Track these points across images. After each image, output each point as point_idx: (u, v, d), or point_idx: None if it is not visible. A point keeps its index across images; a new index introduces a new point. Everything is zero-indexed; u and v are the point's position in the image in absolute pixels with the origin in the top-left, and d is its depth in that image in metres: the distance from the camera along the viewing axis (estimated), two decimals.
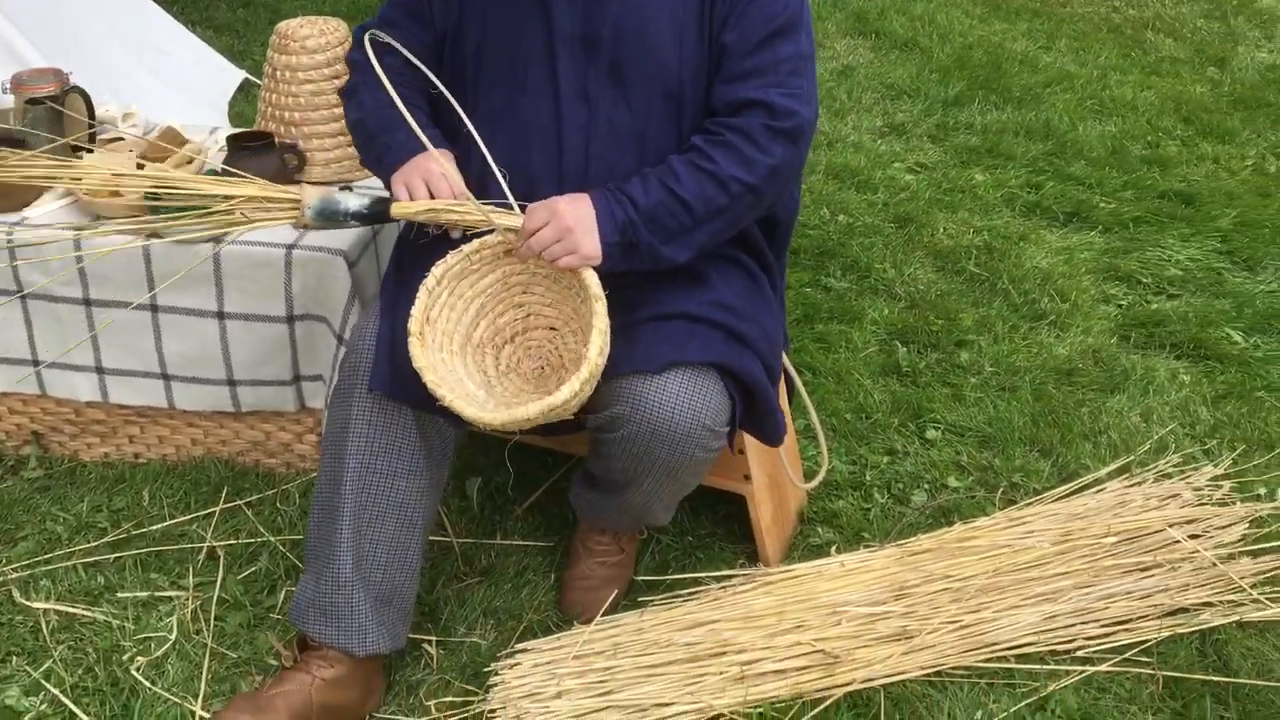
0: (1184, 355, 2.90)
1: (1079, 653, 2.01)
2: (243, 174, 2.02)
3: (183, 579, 2.18)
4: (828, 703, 1.91)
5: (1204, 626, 2.05)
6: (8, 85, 2.50)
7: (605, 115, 1.86)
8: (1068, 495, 2.36)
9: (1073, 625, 2.04)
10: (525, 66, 1.87)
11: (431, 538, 2.23)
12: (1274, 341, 2.96)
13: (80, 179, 2.13)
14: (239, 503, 2.35)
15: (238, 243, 2.22)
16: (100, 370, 2.34)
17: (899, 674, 1.96)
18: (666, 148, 1.84)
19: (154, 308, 2.26)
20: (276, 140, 2.37)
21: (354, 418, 1.86)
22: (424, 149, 1.83)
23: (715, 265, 1.94)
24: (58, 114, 2.38)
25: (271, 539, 2.26)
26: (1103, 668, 1.98)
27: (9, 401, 2.43)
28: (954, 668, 1.98)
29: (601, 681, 1.93)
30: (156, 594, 2.14)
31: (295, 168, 2.36)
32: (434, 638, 2.06)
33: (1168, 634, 2.03)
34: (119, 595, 2.13)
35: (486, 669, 1.99)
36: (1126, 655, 2.00)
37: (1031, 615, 2.04)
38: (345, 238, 2.25)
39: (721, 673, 1.93)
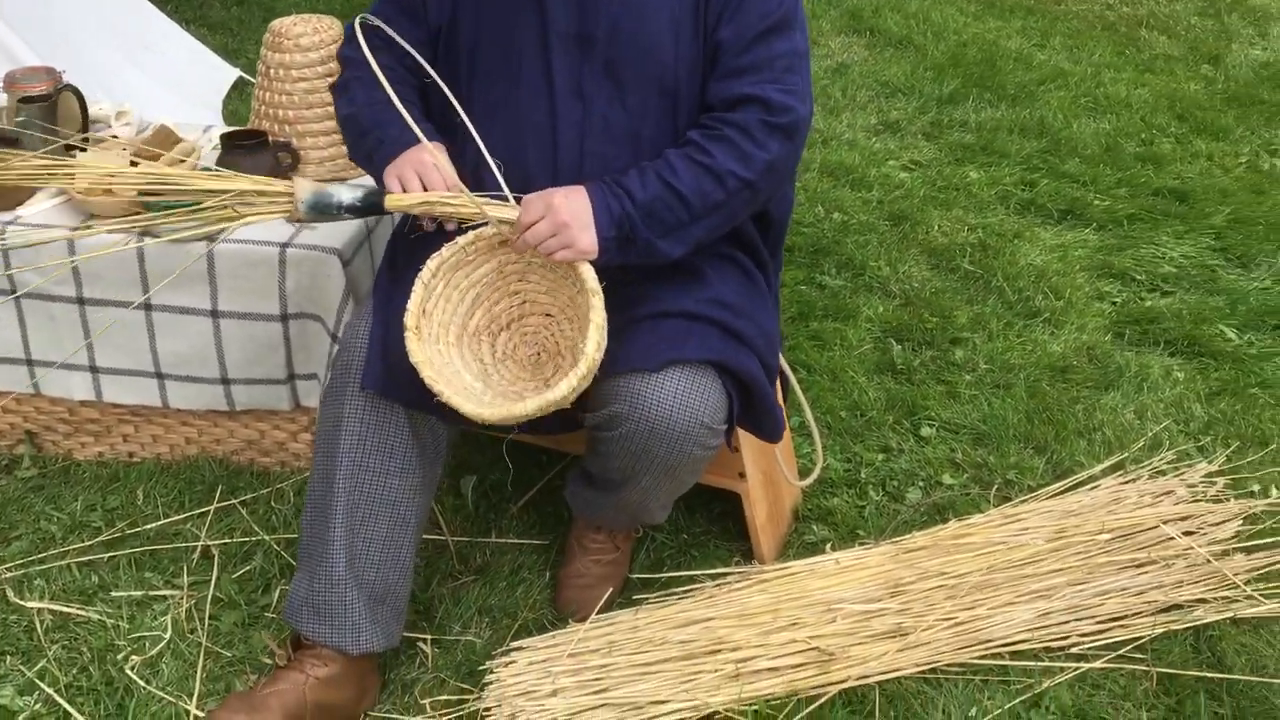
0: (1178, 352, 2.90)
1: (1073, 649, 2.01)
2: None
3: (177, 578, 2.17)
4: (823, 700, 1.91)
5: (1198, 623, 2.05)
6: (0, 84, 2.49)
7: (600, 112, 1.85)
8: (1062, 492, 2.36)
9: (1067, 622, 2.04)
10: (519, 62, 1.87)
11: (426, 536, 2.23)
12: (1268, 338, 2.96)
13: (74, 176, 2.12)
14: (233, 502, 2.35)
15: (232, 241, 2.21)
16: (94, 369, 2.34)
17: (894, 671, 1.96)
18: (662, 145, 1.84)
19: (148, 306, 2.25)
20: (270, 139, 2.37)
21: (346, 416, 1.85)
22: (416, 142, 1.83)
23: (711, 263, 1.94)
24: (51, 113, 2.38)
25: (266, 538, 2.25)
26: (1097, 664, 1.98)
27: (3, 400, 2.42)
28: (949, 665, 1.98)
29: (597, 679, 1.93)
30: (151, 593, 2.14)
31: (289, 166, 2.36)
32: (429, 636, 2.06)
33: (1162, 630, 2.03)
34: (113, 594, 2.13)
35: (481, 667, 1.99)
36: (1121, 652, 2.00)
37: (1026, 612, 2.05)
38: (339, 236, 2.24)
39: (716, 670, 1.93)
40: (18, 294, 2.27)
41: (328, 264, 2.20)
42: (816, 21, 5.03)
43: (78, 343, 2.31)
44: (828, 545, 2.25)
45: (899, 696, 1.94)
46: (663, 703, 1.89)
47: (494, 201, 1.80)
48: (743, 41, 1.81)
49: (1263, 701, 1.93)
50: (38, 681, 1.95)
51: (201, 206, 1.91)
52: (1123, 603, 2.07)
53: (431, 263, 1.81)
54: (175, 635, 2.04)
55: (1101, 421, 2.61)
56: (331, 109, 2.33)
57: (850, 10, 5.20)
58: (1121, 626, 2.04)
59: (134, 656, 2.00)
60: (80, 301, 2.27)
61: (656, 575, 2.17)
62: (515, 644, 2.02)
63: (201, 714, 1.89)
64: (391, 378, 1.83)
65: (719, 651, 1.96)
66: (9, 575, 2.17)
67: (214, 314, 2.25)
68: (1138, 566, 2.14)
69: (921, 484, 2.44)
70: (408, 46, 1.90)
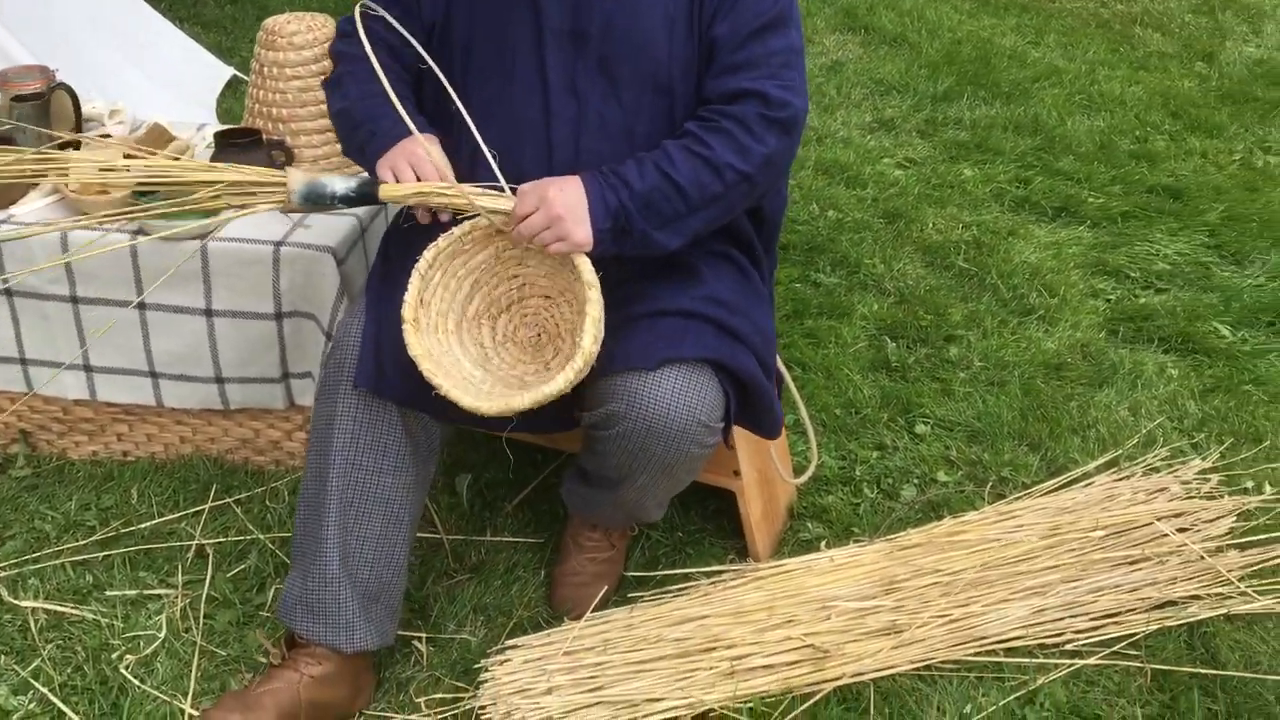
0: (1172, 349, 2.91)
1: (1067, 646, 2.01)
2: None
3: (172, 577, 2.17)
4: (817, 697, 1.91)
5: (1192, 619, 2.06)
6: None
7: (595, 109, 1.85)
8: (1056, 489, 2.36)
9: (1061, 619, 2.05)
10: (513, 59, 1.87)
11: (421, 534, 2.24)
12: (1261, 335, 2.97)
13: (66, 172, 2.11)
14: (228, 500, 2.34)
15: (225, 240, 2.21)
16: (88, 368, 2.33)
17: (888, 668, 1.96)
18: (656, 141, 1.84)
19: (142, 305, 2.25)
20: (264, 137, 2.37)
21: (339, 414, 1.85)
22: (409, 134, 1.82)
23: (707, 260, 1.94)
24: (44, 112, 2.37)
25: (261, 537, 2.25)
26: (1091, 661, 1.99)
27: None
28: (943, 662, 1.99)
29: (592, 677, 1.93)
30: (145, 592, 2.13)
31: (283, 164, 2.35)
32: (424, 634, 2.06)
33: (1156, 627, 2.04)
34: (108, 593, 2.13)
35: (477, 665, 1.99)
36: (1115, 648, 2.01)
37: (1020, 609, 2.05)
38: (333, 235, 2.24)
39: (711, 668, 1.93)
40: (8, 288, 2.26)
41: (322, 262, 2.20)
42: (811, 19, 5.04)
43: (71, 342, 2.30)
44: (822, 543, 2.25)
45: (894, 694, 1.94)
46: (658, 700, 1.89)
47: (489, 192, 1.79)
48: (738, 38, 1.81)
49: (1256, 698, 1.94)
50: (32, 681, 1.95)
51: (194, 197, 1.89)
52: (1117, 599, 2.08)
53: (428, 254, 1.80)
54: (170, 634, 2.04)
55: (1096, 418, 2.61)
56: (325, 107, 2.34)
57: (845, 8, 5.20)
58: (1116, 623, 2.04)
59: (129, 656, 2.00)
60: (74, 300, 2.27)
61: (651, 573, 2.18)
62: (510, 642, 2.02)
63: (196, 713, 1.89)
64: (384, 376, 1.83)
65: (714, 649, 1.97)
66: (3, 575, 2.16)
67: (208, 313, 2.25)
68: (1132, 563, 2.15)
69: (916, 481, 2.44)
70: (406, 33, 1.89)
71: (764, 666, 1.95)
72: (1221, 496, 2.34)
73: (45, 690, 1.93)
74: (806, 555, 2.20)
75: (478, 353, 1.90)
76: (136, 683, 1.94)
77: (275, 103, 2.43)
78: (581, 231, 1.73)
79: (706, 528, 2.31)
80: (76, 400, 2.39)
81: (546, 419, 1.91)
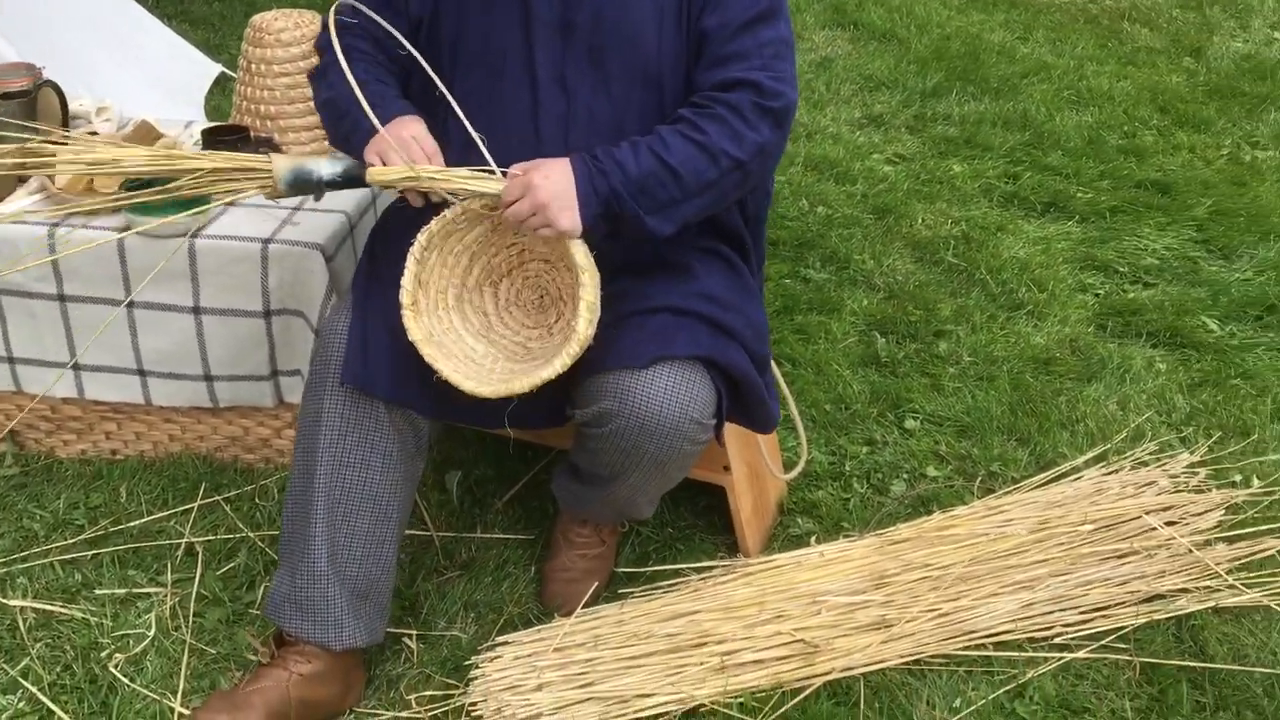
0: (1160, 344, 2.92)
1: (1057, 640, 2.02)
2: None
3: (161, 575, 2.17)
4: (807, 692, 1.91)
5: (1180, 612, 2.07)
6: None
7: (584, 103, 1.85)
8: (1045, 484, 2.37)
9: (1050, 612, 2.05)
10: (502, 52, 1.86)
11: (411, 532, 2.23)
12: (1249, 329, 2.98)
13: (53, 163, 2.08)
14: (217, 498, 2.34)
15: (213, 237, 2.21)
16: (76, 367, 2.33)
17: (878, 663, 1.96)
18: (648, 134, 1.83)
19: (129, 303, 2.24)
20: (252, 134, 2.36)
21: (326, 411, 1.85)
22: (394, 118, 1.80)
23: (697, 256, 1.94)
24: (30, 109, 2.36)
25: (250, 534, 2.25)
26: (1080, 654, 1.99)
27: None
28: (933, 656, 1.99)
29: (582, 673, 1.93)
30: (134, 591, 2.13)
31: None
32: (414, 631, 2.06)
33: (1144, 620, 2.05)
34: (97, 592, 2.12)
35: (467, 662, 1.99)
36: (1104, 642, 2.01)
37: (1010, 603, 2.06)
38: (322, 232, 2.24)
39: (702, 663, 1.94)
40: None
41: (310, 259, 2.20)
42: (800, 15, 5.04)
43: (59, 340, 2.30)
44: (812, 538, 2.26)
45: (884, 688, 1.94)
46: (648, 696, 1.89)
47: (478, 174, 1.77)
48: (728, 30, 1.81)
49: (1244, 690, 1.95)
50: (21, 680, 1.94)
51: (179, 185, 1.87)
52: (1105, 593, 2.08)
53: (421, 237, 1.80)
54: (159, 633, 2.04)
55: (1084, 413, 2.62)
56: (312, 102, 2.33)
57: (834, 4, 5.20)
58: (1104, 616, 2.05)
59: (118, 654, 1.99)
60: (61, 299, 2.26)
61: (642, 569, 2.18)
62: (501, 639, 2.02)
63: (186, 711, 1.89)
64: (371, 372, 1.83)
65: (704, 644, 1.97)
66: None
67: (196, 310, 2.24)
68: (1120, 557, 2.16)
69: (906, 476, 2.45)
70: (387, 25, 1.88)
71: (754, 661, 1.95)
72: (1209, 490, 2.35)
73: (34, 689, 1.92)
74: (796, 550, 2.21)
75: (480, 322, 1.89)
76: (126, 681, 1.94)
77: (263, 100, 2.43)
78: (567, 218, 1.72)
79: (697, 523, 2.31)
80: (64, 399, 2.38)
81: (538, 415, 1.91)
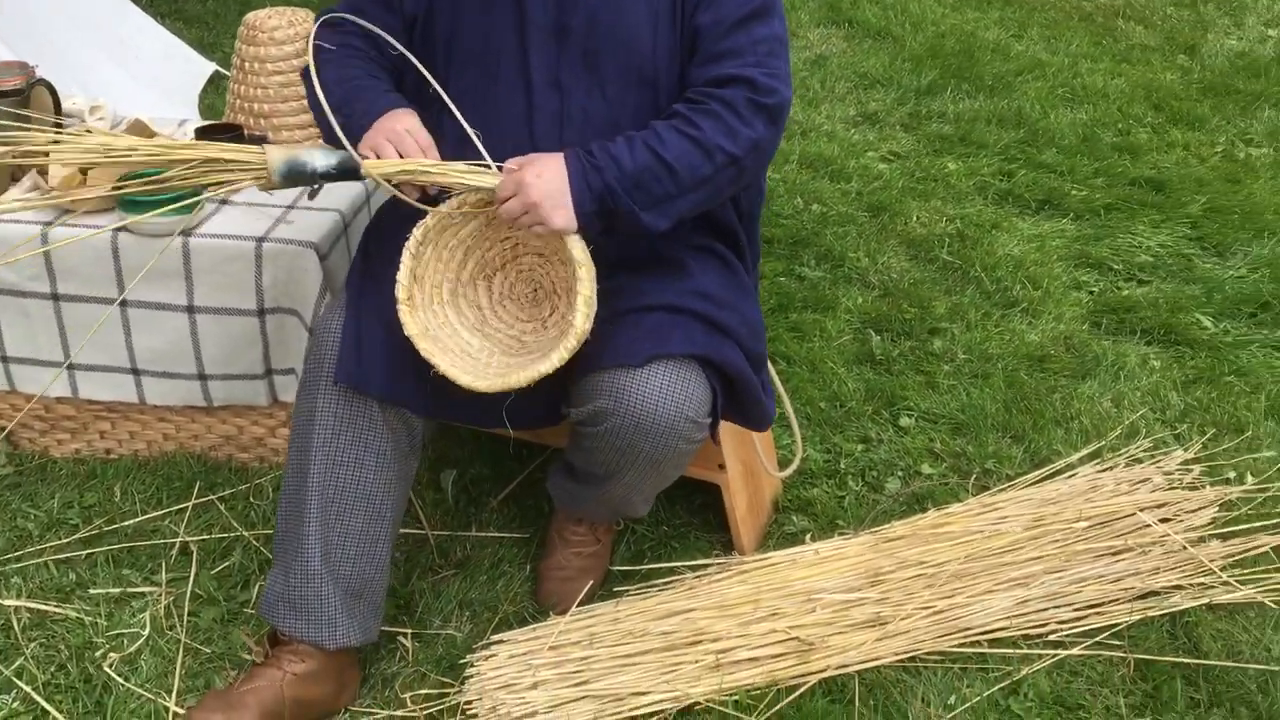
0: (1154, 341, 2.92)
1: (1051, 636, 2.02)
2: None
3: (155, 575, 2.16)
4: (802, 689, 1.92)
5: (1174, 609, 2.07)
6: None
7: (579, 103, 1.85)
8: (1040, 481, 2.37)
9: (1045, 609, 2.05)
10: (497, 54, 1.86)
11: (407, 530, 2.23)
12: (1243, 326, 2.98)
13: (49, 153, 2.07)
14: (212, 498, 2.34)
15: (207, 236, 2.20)
16: (70, 366, 2.32)
17: (873, 660, 1.97)
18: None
19: (123, 302, 2.24)
20: (246, 132, 2.36)
21: (319, 410, 1.84)
22: (386, 110, 1.80)
23: (692, 254, 1.94)
24: (23, 108, 2.36)
25: (245, 534, 2.25)
26: (1075, 651, 1.99)
27: None
28: (928, 653, 1.99)
29: (577, 671, 1.93)
30: (129, 590, 2.13)
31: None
32: (409, 630, 2.05)
33: (1139, 617, 2.05)
34: (91, 592, 2.12)
35: (462, 661, 1.99)
36: (1098, 639, 2.02)
37: (1004, 600, 2.06)
38: (316, 230, 2.24)
39: (697, 661, 1.94)
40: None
41: (304, 258, 2.19)
42: (795, 13, 5.04)
43: (53, 339, 2.29)
44: (807, 536, 2.26)
45: (878, 685, 1.94)
46: (643, 694, 1.89)
47: (474, 168, 1.77)
48: (722, 27, 1.81)
49: (1238, 686, 1.95)
50: (15, 680, 1.94)
51: (172, 174, 1.85)
52: (1100, 590, 2.09)
53: (417, 232, 1.80)
54: (154, 632, 2.03)
55: (1079, 410, 2.62)
56: (306, 101, 2.33)
57: (829, 2, 5.20)
58: (1099, 613, 2.05)
59: (112, 654, 1.99)
60: (55, 298, 2.26)
61: (637, 567, 2.18)
62: (496, 637, 2.02)
63: (181, 711, 1.89)
64: (364, 371, 1.82)
65: (699, 642, 1.97)
66: None
67: (190, 309, 2.24)
68: (1114, 554, 2.16)
69: (900, 474, 2.45)
70: (375, 29, 1.88)
71: (749, 659, 1.95)
72: (1204, 487, 2.35)
73: (29, 689, 1.92)
74: (791, 548, 2.21)
75: (475, 316, 1.90)
76: (120, 681, 1.94)
77: (256, 98, 2.42)
78: (560, 216, 1.72)
79: (692, 521, 2.31)
80: (58, 398, 2.38)
81: (533, 413, 1.91)
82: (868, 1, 5.18)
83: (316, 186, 1.88)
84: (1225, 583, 2.12)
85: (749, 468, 2.21)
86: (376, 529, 1.89)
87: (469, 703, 1.90)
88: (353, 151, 1.80)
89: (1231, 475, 2.41)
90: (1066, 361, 2.82)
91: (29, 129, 2.04)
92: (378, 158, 1.79)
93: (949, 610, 2.04)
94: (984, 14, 5.14)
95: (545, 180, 1.71)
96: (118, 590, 2.12)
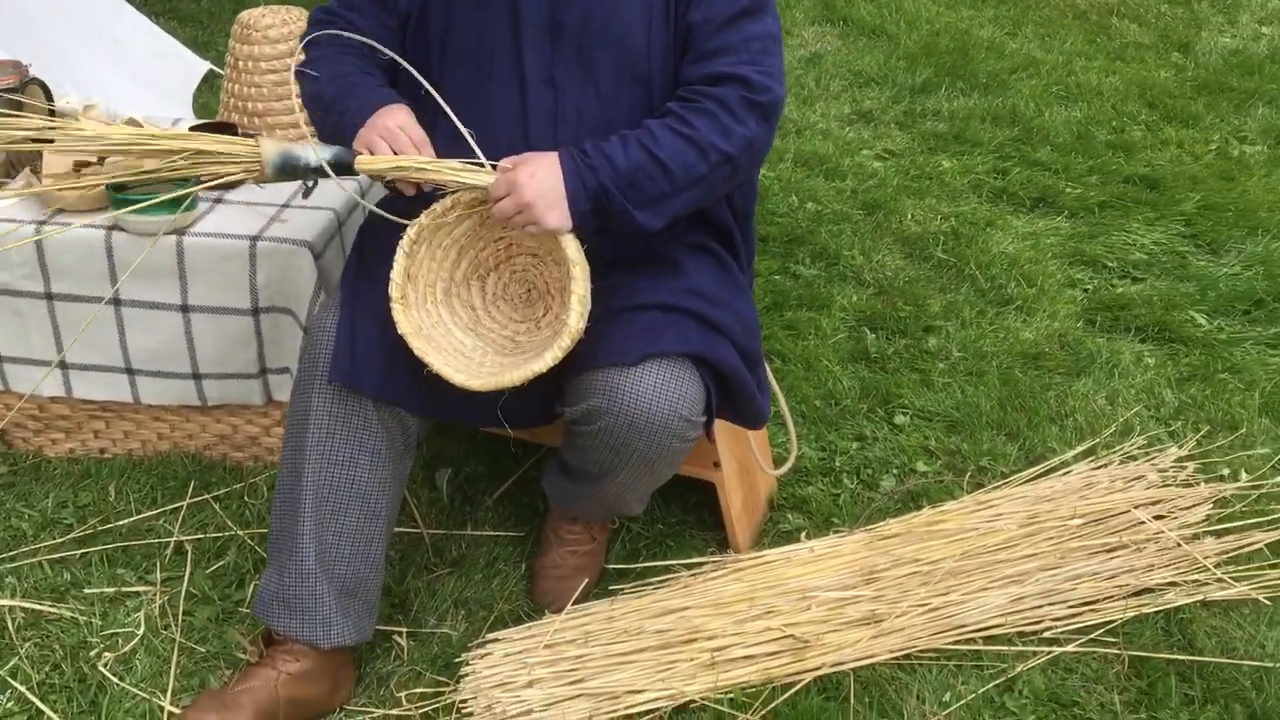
0: (1149, 338, 2.93)
1: (1046, 633, 2.03)
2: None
3: (150, 574, 2.16)
4: (798, 687, 1.92)
5: (1169, 606, 2.07)
6: None
7: (573, 102, 1.85)
8: (1034, 478, 2.38)
9: (1040, 606, 2.06)
10: (491, 52, 1.86)
11: (401, 529, 2.23)
12: (1237, 324, 2.99)
13: (46, 139, 2.04)
14: (206, 497, 2.33)
15: (201, 235, 2.20)
16: (64, 365, 2.32)
17: (868, 657, 1.97)
18: None
19: (117, 302, 2.24)
20: (240, 130, 2.35)
21: (314, 409, 1.84)
22: (379, 106, 1.80)
23: (686, 252, 1.94)
24: (16, 107, 2.35)
25: (239, 533, 2.24)
26: (1069, 648, 2.00)
27: None
28: (923, 650, 1.99)
29: (573, 670, 1.93)
30: (123, 590, 2.12)
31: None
32: (404, 629, 2.05)
33: (1133, 614, 2.05)
34: (85, 591, 2.12)
35: (458, 659, 1.99)
36: (1093, 636, 2.02)
37: (999, 597, 2.06)
38: (311, 229, 2.23)
39: (692, 659, 1.94)
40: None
41: (299, 257, 2.19)
42: (790, 11, 5.04)
43: (47, 338, 2.29)
44: (803, 534, 2.26)
45: (873, 682, 1.95)
46: (639, 692, 1.89)
47: (468, 166, 1.77)
48: (714, 25, 1.80)
49: (1232, 683, 1.95)
50: (10, 680, 1.94)
51: (164, 165, 1.84)
52: (1094, 587, 2.09)
53: (411, 231, 1.80)
54: (148, 631, 2.03)
55: (1073, 408, 2.63)
56: (299, 100, 2.33)
57: (824, 0, 5.20)
58: (1093, 610, 2.06)
59: (107, 653, 1.99)
60: (48, 297, 2.25)
61: (632, 565, 2.18)
62: (491, 636, 2.02)
63: (176, 710, 1.88)
64: (359, 370, 1.82)
65: (695, 640, 1.97)
66: None
67: (184, 309, 2.24)
68: (1109, 551, 2.16)
69: (895, 472, 2.45)
70: (368, 41, 1.88)
71: (745, 657, 1.95)
72: (1198, 484, 2.36)
73: (23, 689, 1.92)
74: (787, 546, 2.21)
75: (468, 316, 1.90)
76: (115, 680, 1.94)
77: (250, 97, 2.42)
78: (554, 216, 1.72)
79: (687, 520, 2.31)
80: (52, 398, 2.37)
81: (528, 412, 1.91)
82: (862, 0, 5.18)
83: (310, 184, 1.87)
84: (1219, 579, 2.12)
85: (744, 466, 2.21)
86: (371, 528, 1.89)
87: (464, 701, 1.90)
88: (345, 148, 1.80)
89: (1225, 472, 2.42)
90: (1061, 359, 2.82)
91: (23, 115, 2.03)
92: (371, 154, 1.79)
93: (944, 607, 2.04)
94: (978, 12, 5.15)
95: (539, 180, 1.71)
96: (112, 590, 2.12)
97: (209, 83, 4.10)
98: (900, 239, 3.34)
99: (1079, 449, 2.47)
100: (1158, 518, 2.23)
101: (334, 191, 2.31)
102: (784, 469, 2.24)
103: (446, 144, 1.81)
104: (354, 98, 1.84)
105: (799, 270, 3.18)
